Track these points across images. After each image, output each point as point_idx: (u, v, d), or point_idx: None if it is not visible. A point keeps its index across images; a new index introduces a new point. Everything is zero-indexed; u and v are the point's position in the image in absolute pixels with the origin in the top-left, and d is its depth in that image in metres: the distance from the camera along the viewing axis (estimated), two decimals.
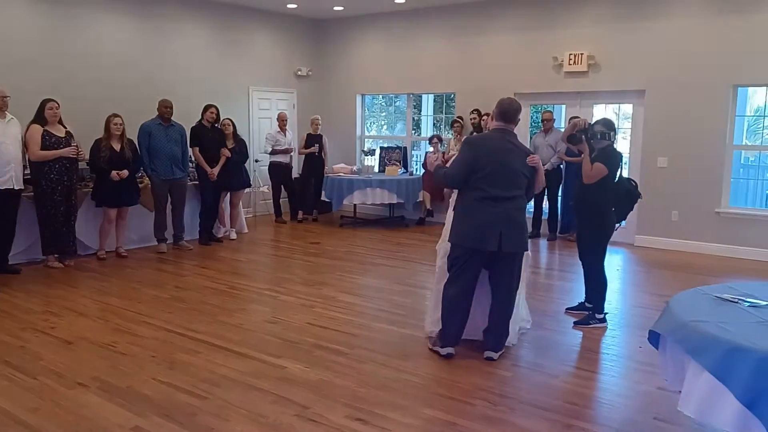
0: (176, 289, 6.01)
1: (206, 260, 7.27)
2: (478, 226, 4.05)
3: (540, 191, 4.44)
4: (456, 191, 4.39)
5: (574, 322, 5.09)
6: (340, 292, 5.95)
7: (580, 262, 5.19)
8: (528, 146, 8.93)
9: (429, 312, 4.69)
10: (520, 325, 4.65)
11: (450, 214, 4.46)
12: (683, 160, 7.97)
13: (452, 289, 4.22)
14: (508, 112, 4.19)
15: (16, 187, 6.20)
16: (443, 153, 8.97)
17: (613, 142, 4.94)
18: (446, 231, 4.47)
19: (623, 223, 5.17)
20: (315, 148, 9.73)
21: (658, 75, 8.04)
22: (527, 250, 4.29)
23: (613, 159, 4.85)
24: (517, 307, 4.46)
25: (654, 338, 3.09)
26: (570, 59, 8.62)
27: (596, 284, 5.07)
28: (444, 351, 4.24)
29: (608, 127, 4.91)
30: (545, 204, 8.82)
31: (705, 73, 7.72)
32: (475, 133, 8.77)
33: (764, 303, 2.89)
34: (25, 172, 6.39)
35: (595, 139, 4.88)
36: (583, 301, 5.33)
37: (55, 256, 6.67)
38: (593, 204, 4.89)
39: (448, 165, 4.57)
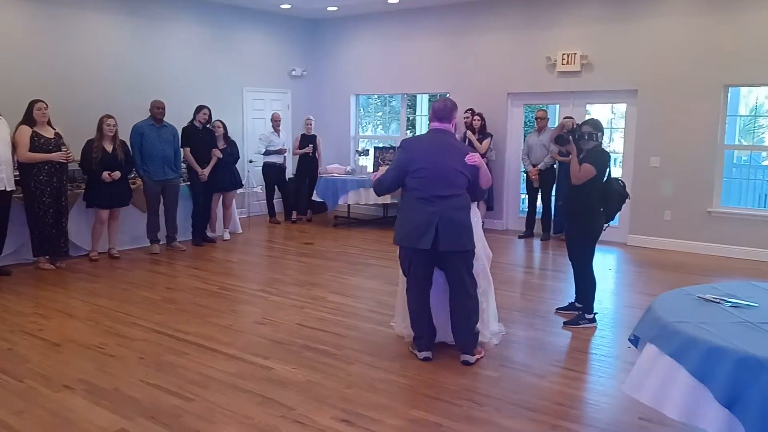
0: (167, 290, 6.00)
1: (198, 261, 7.26)
2: (414, 226, 4.06)
3: (488, 187, 4.33)
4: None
5: (564, 323, 5.09)
6: (330, 293, 5.95)
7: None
8: (521, 146, 8.96)
9: (396, 314, 4.72)
10: (489, 339, 4.51)
11: None
12: (675, 159, 7.97)
13: (409, 294, 4.28)
14: (441, 110, 4.21)
15: (7, 188, 6.19)
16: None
17: (600, 143, 4.94)
18: None
19: (611, 223, 5.17)
20: (309, 149, 9.73)
21: (650, 75, 8.05)
22: (469, 249, 4.14)
23: (601, 159, 4.85)
24: (486, 321, 4.44)
25: (636, 341, 3.10)
26: (563, 59, 8.62)
27: (585, 284, 5.07)
28: (421, 355, 4.25)
29: (596, 127, 4.90)
30: (539, 203, 8.82)
31: (697, 73, 7.73)
32: (468, 132, 8.79)
33: (745, 303, 2.89)
34: (15, 173, 6.37)
35: (583, 139, 4.89)
36: (573, 301, 5.33)
37: (46, 257, 6.66)
38: (581, 204, 4.89)
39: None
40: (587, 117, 7.55)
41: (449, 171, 4.09)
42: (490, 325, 4.54)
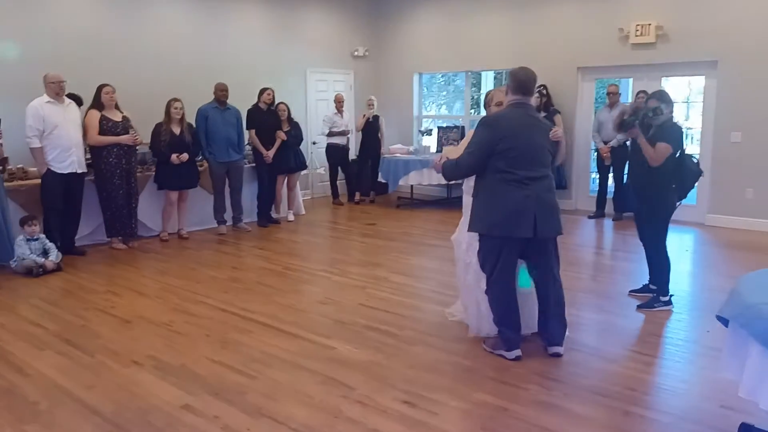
0: (233, 270, 6.09)
1: (263, 242, 7.34)
2: (509, 213, 3.66)
3: (559, 164, 4.04)
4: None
5: (638, 306, 4.86)
6: (393, 273, 5.89)
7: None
8: (592, 122, 8.61)
9: (464, 309, 4.39)
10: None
11: (467, 200, 4.12)
12: (759, 134, 7.48)
13: (497, 289, 3.85)
14: (525, 83, 3.78)
15: (79, 171, 6.40)
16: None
17: (671, 116, 4.63)
18: (464, 221, 4.13)
19: (684, 201, 4.87)
20: (369, 114, 9.63)
21: (731, 45, 7.55)
22: (562, 233, 3.90)
23: (674, 134, 4.54)
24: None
25: (725, 322, 2.87)
26: (637, 30, 8.21)
27: (659, 265, 4.81)
28: (511, 355, 3.85)
29: (662, 99, 4.57)
30: (610, 182, 8.48)
31: None
32: (540, 112, 8.49)
33: None
34: (86, 156, 6.58)
35: (648, 117, 4.56)
36: (647, 283, 5.08)
37: (119, 237, 6.87)
38: (653, 181, 4.61)
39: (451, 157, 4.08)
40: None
41: (539, 149, 3.76)
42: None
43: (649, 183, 4.66)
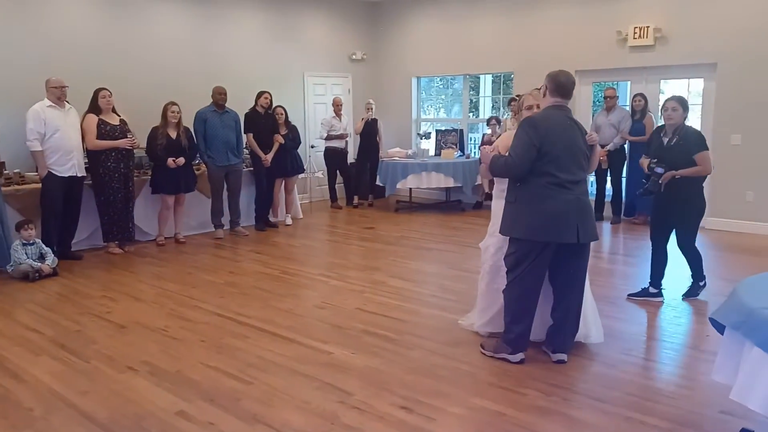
0: (230, 274, 6.05)
1: (261, 246, 7.31)
2: (553, 217, 3.59)
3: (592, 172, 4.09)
4: (504, 180, 3.96)
5: (683, 295, 5.13)
6: (391, 277, 5.86)
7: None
8: (590, 126, 8.59)
9: (478, 314, 4.32)
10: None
11: (497, 205, 4.07)
12: (759, 137, 7.46)
13: (520, 289, 3.77)
14: (566, 85, 3.75)
15: (78, 175, 6.39)
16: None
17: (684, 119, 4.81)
18: (495, 226, 4.06)
19: None
20: (368, 117, 9.64)
21: (731, 47, 7.53)
22: (598, 238, 3.90)
23: (701, 138, 4.76)
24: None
25: (720, 326, 2.85)
26: (635, 33, 8.19)
27: (695, 259, 5.06)
28: (516, 357, 3.83)
29: (683, 104, 4.78)
30: (608, 186, 8.46)
31: None
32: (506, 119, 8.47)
33: None
34: (84, 161, 6.56)
35: (652, 170, 4.80)
36: (646, 287, 5.12)
37: (116, 242, 6.84)
38: (689, 183, 4.75)
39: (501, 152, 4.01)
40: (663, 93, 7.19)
41: (578, 152, 3.72)
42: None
43: (685, 184, 4.74)
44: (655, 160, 4.80)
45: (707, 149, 4.73)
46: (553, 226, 3.61)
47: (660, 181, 4.77)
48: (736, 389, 2.49)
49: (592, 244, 3.89)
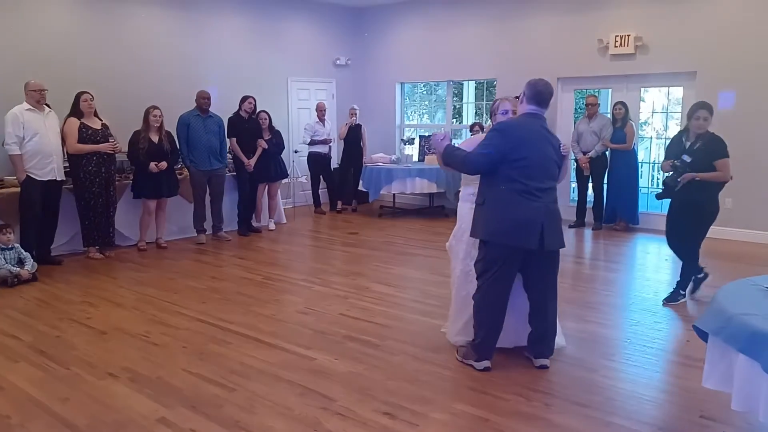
0: (212, 280, 6.02)
1: (244, 251, 7.27)
2: (518, 223, 3.61)
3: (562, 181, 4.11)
4: (472, 184, 3.98)
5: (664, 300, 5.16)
6: (374, 283, 5.85)
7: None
8: (571, 133, 8.67)
9: (451, 320, 4.30)
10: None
11: (463, 208, 4.10)
12: (736, 145, 7.53)
13: (489, 296, 3.77)
14: (543, 94, 3.77)
15: (58, 179, 6.32)
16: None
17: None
18: (461, 229, 4.07)
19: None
20: (351, 122, 9.66)
21: (710, 56, 7.66)
22: (564, 246, 3.90)
23: (723, 145, 4.86)
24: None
25: (703, 333, 2.89)
26: (616, 41, 8.30)
27: (691, 266, 5.13)
28: (481, 365, 3.82)
29: (710, 111, 4.93)
30: (590, 192, 8.53)
31: (760, 53, 7.30)
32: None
33: None
34: (65, 164, 6.49)
35: (677, 167, 4.84)
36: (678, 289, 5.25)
37: (96, 247, 6.77)
38: (706, 188, 4.83)
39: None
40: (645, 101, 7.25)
41: (548, 161, 3.73)
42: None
43: (702, 189, 4.82)
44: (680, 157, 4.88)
45: (728, 156, 4.79)
46: (518, 232, 3.63)
47: (679, 180, 4.81)
48: (737, 400, 2.49)
49: (572, 250, 3.91)
